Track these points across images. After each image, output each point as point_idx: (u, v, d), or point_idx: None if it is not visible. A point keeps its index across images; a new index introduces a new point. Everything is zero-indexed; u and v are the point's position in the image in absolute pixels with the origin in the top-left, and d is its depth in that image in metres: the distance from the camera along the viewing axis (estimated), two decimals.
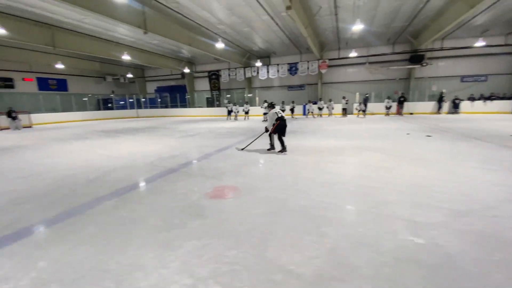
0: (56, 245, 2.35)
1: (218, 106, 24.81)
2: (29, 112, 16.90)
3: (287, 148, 6.02)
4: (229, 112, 18.60)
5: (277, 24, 13.47)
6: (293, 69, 20.80)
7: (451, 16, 12.15)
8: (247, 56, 21.84)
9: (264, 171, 4.72)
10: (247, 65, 22.50)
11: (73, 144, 8.71)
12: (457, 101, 17.40)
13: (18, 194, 3.77)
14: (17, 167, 5.54)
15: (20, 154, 7.01)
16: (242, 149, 6.54)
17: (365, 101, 18.05)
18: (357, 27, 11.72)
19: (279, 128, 5.82)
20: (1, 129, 15.31)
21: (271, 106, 6.26)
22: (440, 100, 17.81)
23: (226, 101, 18.67)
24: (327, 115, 18.48)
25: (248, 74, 22.23)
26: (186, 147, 7.35)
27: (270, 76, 21.65)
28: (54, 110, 21.06)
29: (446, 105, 17.93)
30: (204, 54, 21.38)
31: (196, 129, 12.44)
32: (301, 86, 22.39)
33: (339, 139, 7.81)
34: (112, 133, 11.64)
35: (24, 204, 3.40)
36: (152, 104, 27.44)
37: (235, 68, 22.58)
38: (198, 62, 24.34)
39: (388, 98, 17.45)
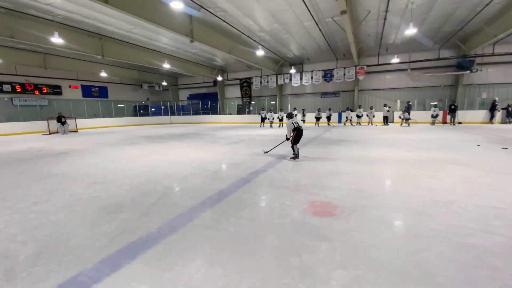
0: (182, 266, 2.11)
1: (249, 113, 24.84)
2: (75, 118, 17.84)
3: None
4: (263, 119, 18.44)
5: (320, 30, 13.17)
6: (328, 75, 20.30)
7: (509, 21, 11.19)
8: (280, 63, 21.72)
9: (350, 184, 4.32)
10: (279, 72, 22.38)
11: (127, 149, 8.86)
12: (511, 109, 15.93)
13: (105, 202, 3.67)
14: (85, 172, 5.58)
15: (80, 159, 7.17)
16: (266, 152, 7.11)
17: (408, 109, 17.07)
18: (410, 31, 11.10)
19: (297, 137, 6.13)
20: (51, 133, 16.24)
21: (290, 116, 6.42)
22: (493, 108, 16.39)
23: (262, 110, 18.45)
24: (366, 123, 17.69)
25: (281, 81, 22.04)
26: (239, 154, 7.14)
27: (304, 83, 21.31)
28: (95, 116, 22.17)
29: (499, 114, 16.48)
30: (236, 62, 21.70)
31: (237, 136, 12.30)
32: (335, 93, 21.77)
33: (406, 150, 7.19)
34: (155, 139, 11.81)
35: (116, 213, 3.27)
36: (184, 111, 28.11)
37: (267, 76, 22.51)
38: (230, 70, 24.63)
39: (435, 106, 16.33)
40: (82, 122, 19.21)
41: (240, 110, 25.85)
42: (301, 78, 21.26)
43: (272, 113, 17.91)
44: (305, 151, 7.23)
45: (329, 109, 18.18)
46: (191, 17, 11.50)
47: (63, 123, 15.95)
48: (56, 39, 11.26)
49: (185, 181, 4.63)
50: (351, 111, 17.83)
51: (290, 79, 21.60)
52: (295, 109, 16.68)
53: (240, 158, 6.68)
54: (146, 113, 26.74)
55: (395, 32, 14.70)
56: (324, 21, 12.40)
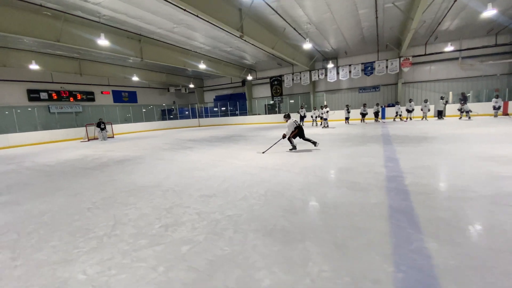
0: None
1: (278, 112, 23.95)
2: (111, 123, 17.50)
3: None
4: (302, 118, 17.43)
5: (376, 17, 12.10)
6: (368, 68, 19.11)
7: None
8: (314, 58, 20.70)
9: None
10: (312, 68, 21.36)
11: (189, 154, 8.13)
12: None
13: (256, 224, 2.84)
14: (176, 182, 4.82)
15: (151, 166, 6.46)
16: (263, 152, 7.36)
17: (465, 100, 15.64)
18: (489, 13, 9.86)
19: (298, 133, 7.25)
20: (89, 140, 15.92)
21: (288, 116, 7.53)
22: None
23: (301, 107, 17.49)
24: (418, 118, 16.35)
25: (315, 77, 21.01)
26: (324, 157, 6.21)
27: (341, 78, 20.22)
28: (126, 121, 21.93)
29: None
30: (267, 60, 20.95)
31: None
32: (375, 87, 20.51)
33: None
34: (205, 142, 11.09)
35: (294, 242, 2.42)
36: (210, 113, 27.55)
37: (300, 72, 21.54)
38: (259, 68, 23.82)
39: (497, 96, 14.84)
40: (116, 128, 18.90)
41: (269, 110, 24.98)
42: (337, 73, 20.19)
43: (316, 110, 16.87)
44: (403, 150, 6.25)
45: (377, 104, 16.92)
46: (241, 12, 10.72)
47: (102, 129, 15.60)
48: (102, 41, 10.81)
49: (316, 192, 3.75)
50: (392, 106, 16.57)
51: (326, 75, 20.55)
52: (326, 106, 15.57)
53: (333, 160, 5.77)
54: (174, 117, 26.35)
55: (454, 16, 13.35)
56: (383, 7, 11.33)
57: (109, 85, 21.27)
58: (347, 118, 16.60)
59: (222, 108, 26.82)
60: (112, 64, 18.45)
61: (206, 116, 27.17)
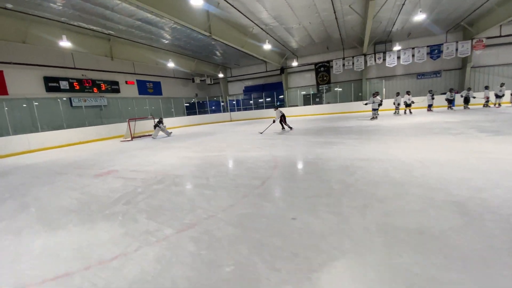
0: None
1: (319, 102, 21.66)
2: (153, 118, 14.31)
3: None
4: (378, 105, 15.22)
5: None
6: (435, 52, 17.39)
7: None
8: (373, 41, 18.61)
9: None
10: (369, 51, 19.26)
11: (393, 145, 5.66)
12: None
13: None
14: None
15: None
16: (261, 132, 10.33)
17: None
18: None
19: (283, 119, 10.59)
20: (133, 139, 12.73)
21: (276, 107, 10.95)
22: None
23: (374, 95, 15.38)
24: (507, 104, 14.83)
25: (370, 62, 18.99)
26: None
27: (402, 62, 18.33)
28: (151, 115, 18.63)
29: None
30: (312, 44, 18.60)
31: (382, 126, 9.20)
32: (436, 73, 18.86)
33: None
34: (325, 135, 8.59)
35: None
36: (238, 105, 24.69)
37: (352, 57, 19.41)
38: (301, 54, 21.28)
39: None
40: (144, 124, 15.56)
41: (307, 100, 22.54)
42: (398, 57, 18.29)
43: (399, 97, 14.73)
44: None
45: (450, 90, 15.19)
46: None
47: (156, 126, 12.64)
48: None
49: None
50: (456, 92, 14.89)
51: (384, 59, 18.60)
52: (377, 93, 13.61)
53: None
54: (201, 110, 23.20)
55: None
56: None
57: (134, 73, 17.80)
58: (430, 105, 14.73)
59: (250, 101, 24.04)
60: (146, 45, 15.11)
61: (232, 110, 24.28)
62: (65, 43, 10.45)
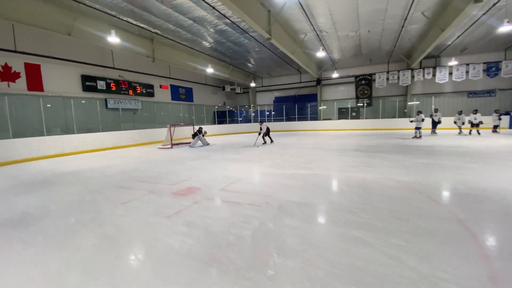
0: None
1: (356, 117, 20.36)
2: (193, 125, 13.18)
3: None
4: (435, 123, 13.83)
5: None
6: (492, 69, 16.07)
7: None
8: (422, 55, 17.36)
9: None
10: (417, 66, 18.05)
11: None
12: None
13: None
14: None
15: None
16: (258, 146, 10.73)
17: None
18: None
19: (267, 133, 11.30)
20: (173, 146, 11.54)
21: (261, 122, 11.47)
22: None
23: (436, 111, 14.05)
24: None
25: (418, 77, 17.74)
26: None
27: (454, 79, 17.01)
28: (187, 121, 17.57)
29: None
30: (352, 56, 17.56)
31: (478, 147, 7.75)
32: (489, 92, 17.43)
33: None
34: (372, 151, 7.20)
35: None
36: (266, 116, 23.56)
37: (398, 71, 18.23)
38: (341, 65, 20.14)
39: None
40: (181, 131, 14.46)
41: (343, 114, 21.27)
42: (450, 73, 17.01)
43: (463, 115, 13.30)
44: None
45: (496, 111, 13.57)
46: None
47: (196, 134, 11.50)
48: None
49: None
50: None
51: (434, 74, 17.35)
52: (420, 112, 12.31)
53: None
54: (230, 120, 22.13)
55: None
56: None
57: (169, 78, 16.92)
58: (496, 126, 13.25)
59: (281, 112, 22.87)
60: (187, 47, 14.21)
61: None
62: (113, 39, 9.52)
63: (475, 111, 12.88)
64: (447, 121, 15.03)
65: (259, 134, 11.25)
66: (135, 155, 9.59)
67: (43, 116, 9.88)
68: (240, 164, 6.74)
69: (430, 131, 14.24)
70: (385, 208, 3.27)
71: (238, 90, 22.70)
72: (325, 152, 8.37)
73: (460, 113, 13.36)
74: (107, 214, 3.48)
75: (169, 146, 11.42)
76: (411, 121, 12.26)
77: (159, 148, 11.48)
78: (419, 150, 8.08)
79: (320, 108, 21.50)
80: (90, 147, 10.84)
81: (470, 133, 13.03)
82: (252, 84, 21.69)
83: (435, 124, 13.99)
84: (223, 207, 3.56)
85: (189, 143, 12.35)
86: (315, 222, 2.99)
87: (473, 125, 12.83)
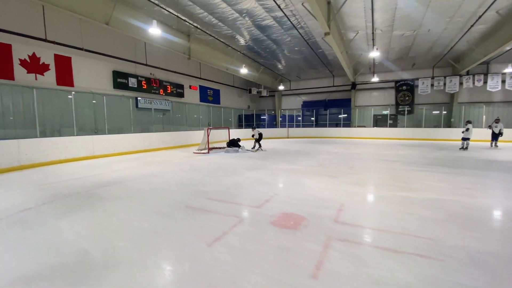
0: None
1: (394, 125, 18.91)
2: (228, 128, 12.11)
3: None
4: (496, 135, 12.31)
5: None
6: None
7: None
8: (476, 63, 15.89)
9: None
10: (460, 72, 16.60)
11: None
12: None
13: None
14: None
15: None
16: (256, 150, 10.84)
17: None
18: None
19: (260, 138, 11.06)
20: (209, 151, 10.43)
21: (253, 127, 11.38)
22: None
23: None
24: None
25: (467, 84, 16.24)
26: None
27: (508, 87, 15.45)
28: (208, 125, 16.58)
29: None
30: (400, 57, 16.22)
31: None
32: None
33: None
34: (453, 166, 5.85)
35: None
36: (293, 121, 22.34)
37: (444, 77, 16.78)
38: (380, 69, 18.79)
39: None
40: (214, 134, 13.45)
41: (379, 122, 19.84)
42: (503, 81, 15.46)
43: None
44: None
45: None
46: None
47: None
48: None
49: None
50: None
51: (485, 81, 15.83)
52: (469, 122, 10.95)
53: None
54: (257, 124, 21.02)
55: None
56: None
57: (199, 78, 15.97)
58: None
59: (311, 118, 21.66)
60: (224, 43, 13.20)
61: (285, 125, 21.88)
62: (154, 30, 8.56)
63: (497, 120, 11.60)
64: (509, 133, 13.47)
65: (255, 139, 11.10)
66: (174, 160, 8.52)
67: (73, 113, 8.94)
68: (313, 179, 5.51)
69: (489, 143, 12.73)
70: None
71: (264, 93, 21.60)
72: (399, 165, 7.07)
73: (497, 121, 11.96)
74: (206, 261, 2.30)
75: (206, 150, 10.32)
76: (463, 132, 11.09)
77: (194, 152, 10.41)
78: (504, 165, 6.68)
79: (353, 114, 20.14)
80: (120, 149, 9.85)
81: (491, 145, 11.70)
82: (281, 87, 20.57)
83: (495, 136, 12.47)
84: (381, 258, 2.33)
85: (223, 147, 11.25)
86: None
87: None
